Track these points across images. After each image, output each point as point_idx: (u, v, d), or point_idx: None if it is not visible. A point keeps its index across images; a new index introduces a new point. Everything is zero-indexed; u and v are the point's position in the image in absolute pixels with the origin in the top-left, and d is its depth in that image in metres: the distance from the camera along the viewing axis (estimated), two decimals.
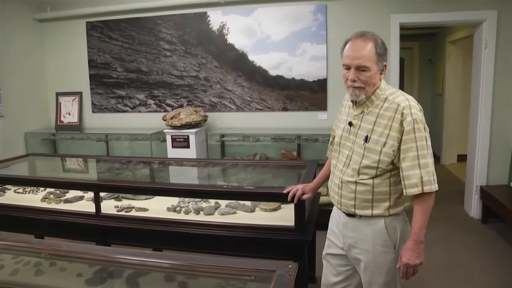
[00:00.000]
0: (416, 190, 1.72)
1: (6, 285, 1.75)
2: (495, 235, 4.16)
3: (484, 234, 4.21)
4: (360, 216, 1.88)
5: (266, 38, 4.72)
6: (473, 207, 4.66)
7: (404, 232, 1.88)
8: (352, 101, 1.92)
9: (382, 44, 1.80)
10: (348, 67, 1.81)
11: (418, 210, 1.76)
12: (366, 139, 1.82)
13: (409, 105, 1.77)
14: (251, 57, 4.80)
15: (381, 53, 1.78)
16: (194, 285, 1.72)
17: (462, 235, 4.19)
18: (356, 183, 1.85)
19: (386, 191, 1.83)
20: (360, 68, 1.76)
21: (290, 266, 1.39)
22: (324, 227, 2.20)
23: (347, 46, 1.82)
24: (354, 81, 1.78)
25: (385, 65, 1.83)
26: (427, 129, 1.79)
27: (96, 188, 2.74)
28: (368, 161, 1.81)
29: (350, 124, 1.91)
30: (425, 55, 8.32)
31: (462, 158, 6.93)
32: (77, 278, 1.86)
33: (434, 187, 1.73)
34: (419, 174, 1.72)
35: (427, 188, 1.72)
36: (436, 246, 3.92)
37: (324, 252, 2.15)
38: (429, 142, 1.77)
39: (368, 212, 1.85)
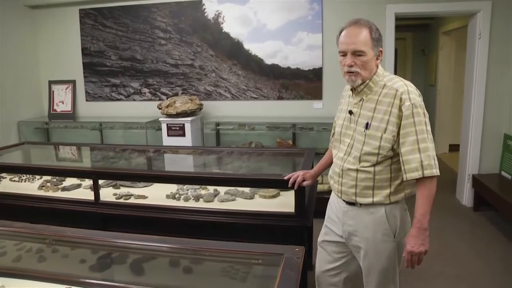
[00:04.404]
0: (416, 175, 1.71)
1: (11, 271, 1.76)
2: (487, 223, 4.23)
3: (476, 222, 4.28)
4: (361, 204, 1.89)
5: (262, 27, 4.71)
6: (465, 195, 4.72)
7: (403, 220, 1.90)
8: (351, 89, 1.94)
9: (376, 29, 1.82)
10: (344, 54, 1.82)
11: (420, 196, 1.75)
12: (367, 126, 1.82)
13: (407, 90, 1.77)
14: (246, 46, 4.79)
15: (376, 38, 1.80)
16: (200, 269, 1.73)
17: (455, 223, 4.25)
18: (357, 170, 1.86)
19: (387, 177, 1.84)
20: (356, 53, 1.78)
21: (297, 249, 1.41)
22: (320, 215, 2.22)
23: (342, 33, 1.84)
24: (351, 66, 1.79)
25: (381, 51, 1.85)
26: (427, 114, 1.79)
27: (95, 175, 2.74)
28: (369, 147, 1.81)
29: (350, 112, 1.92)
30: (418, 46, 8.35)
31: (454, 148, 7.02)
32: (80, 265, 1.87)
33: (436, 171, 1.72)
34: (419, 158, 1.71)
35: (427, 172, 1.70)
36: (429, 234, 3.97)
37: (320, 239, 2.16)
38: (428, 127, 1.76)
39: (369, 200, 1.86)
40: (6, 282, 1.67)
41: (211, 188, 2.84)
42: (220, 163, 3.48)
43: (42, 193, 2.97)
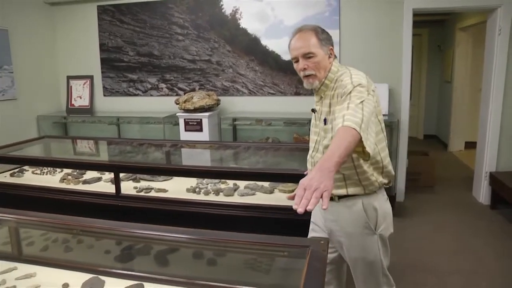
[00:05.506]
0: (337, 127, 1.58)
1: (40, 259, 1.81)
2: (504, 221, 4.20)
3: (493, 220, 4.25)
4: (339, 197, 1.89)
5: (279, 23, 4.72)
6: (482, 193, 4.69)
7: (383, 210, 1.91)
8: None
9: (322, 31, 1.88)
10: (296, 60, 1.88)
11: (333, 140, 1.55)
12: (325, 121, 1.87)
13: (351, 76, 1.78)
14: (263, 42, 4.81)
15: (323, 38, 1.85)
16: (224, 261, 1.76)
17: (471, 220, 4.23)
18: None
19: (351, 166, 1.83)
20: (306, 56, 1.83)
21: (322, 242, 1.43)
22: None
23: (291, 42, 1.90)
24: (305, 69, 1.84)
25: (331, 49, 1.89)
26: (374, 94, 1.74)
27: (117, 169, 2.78)
28: (327, 141, 1.85)
29: (313, 110, 2.00)
30: (434, 42, 8.30)
31: (469, 145, 6.96)
32: (105, 255, 1.91)
33: (357, 127, 1.53)
34: (343, 115, 1.60)
35: (346, 124, 1.54)
36: (445, 231, 3.98)
37: (308, 236, 2.16)
38: (367, 100, 1.66)
39: (343, 191, 1.86)
40: (36, 270, 1.72)
41: (230, 183, 2.86)
42: (237, 158, 3.51)
43: (64, 186, 3.03)
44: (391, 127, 4.47)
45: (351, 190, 1.86)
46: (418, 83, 8.50)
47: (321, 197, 1.31)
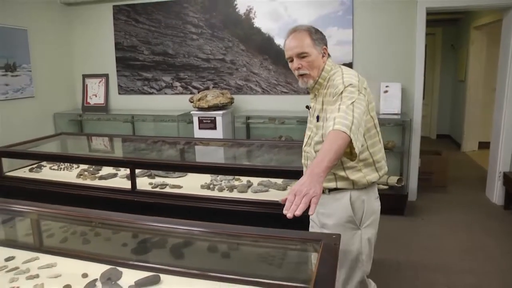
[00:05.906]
0: (329, 130, 1.63)
1: (60, 251, 1.87)
2: None
3: (507, 220, 4.22)
4: (329, 190, 1.93)
5: (293, 22, 4.73)
6: (496, 193, 4.66)
7: (370, 207, 1.92)
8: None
9: (316, 31, 1.93)
10: (291, 59, 1.93)
11: (322, 146, 1.62)
12: (317, 118, 1.92)
13: (342, 76, 1.83)
14: (277, 41, 4.84)
15: (316, 38, 1.90)
16: (238, 255, 1.80)
17: (485, 220, 4.21)
18: None
19: (341, 168, 1.88)
20: (301, 55, 1.88)
21: (334, 236, 1.46)
22: None
23: (285, 43, 1.96)
24: (299, 68, 1.89)
25: (325, 48, 1.93)
26: (366, 92, 1.79)
27: (133, 165, 2.84)
28: (318, 137, 1.90)
29: (307, 107, 2.06)
30: (448, 41, 8.25)
31: (483, 145, 6.91)
32: (122, 247, 1.97)
33: (347, 130, 1.58)
34: (334, 117, 1.65)
35: (337, 127, 1.59)
36: (457, 230, 3.97)
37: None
38: (358, 100, 1.71)
39: (333, 184, 1.90)
40: (56, 260, 1.77)
41: (244, 180, 2.91)
42: (251, 156, 3.55)
43: (80, 181, 3.10)
44: (403, 126, 4.48)
45: (340, 184, 1.90)
46: (431, 82, 8.46)
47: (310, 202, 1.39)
